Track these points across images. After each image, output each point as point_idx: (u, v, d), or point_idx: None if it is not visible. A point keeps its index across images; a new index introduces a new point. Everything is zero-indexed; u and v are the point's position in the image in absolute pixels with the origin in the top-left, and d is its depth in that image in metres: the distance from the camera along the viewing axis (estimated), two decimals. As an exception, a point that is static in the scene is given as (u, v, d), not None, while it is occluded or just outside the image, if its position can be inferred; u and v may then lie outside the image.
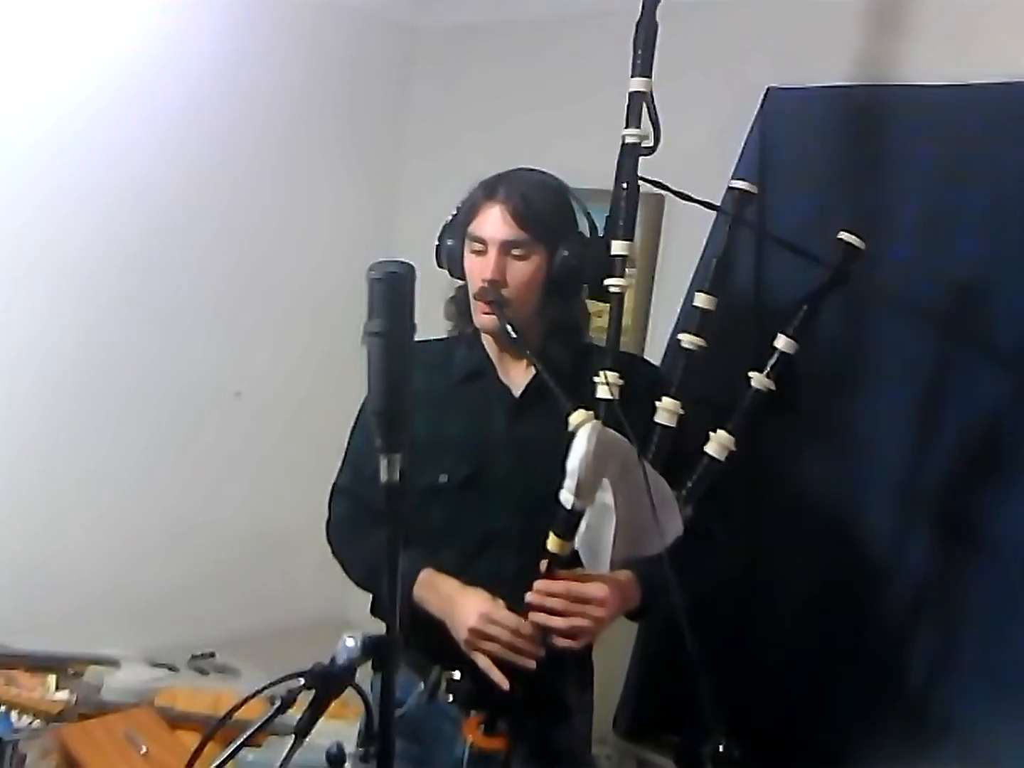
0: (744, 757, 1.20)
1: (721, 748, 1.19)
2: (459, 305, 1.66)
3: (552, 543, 1.43)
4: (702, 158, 2.27)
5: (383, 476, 1.03)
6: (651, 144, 1.67)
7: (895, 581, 1.97)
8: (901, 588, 1.96)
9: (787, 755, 1.94)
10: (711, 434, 1.63)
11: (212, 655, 2.68)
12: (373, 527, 1.64)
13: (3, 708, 2.14)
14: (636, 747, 2.32)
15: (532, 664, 1.45)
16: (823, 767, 1.98)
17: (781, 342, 1.65)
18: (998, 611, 1.83)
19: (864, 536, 2.02)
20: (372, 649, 1.08)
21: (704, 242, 2.18)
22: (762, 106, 2.18)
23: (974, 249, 1.89)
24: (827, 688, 2.01)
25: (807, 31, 2.19)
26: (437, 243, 1.65)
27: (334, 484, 1.76)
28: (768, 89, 2.18)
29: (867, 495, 2.01)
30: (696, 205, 1.70)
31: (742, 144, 2.20)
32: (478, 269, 1.56)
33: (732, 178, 2.18)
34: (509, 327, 1.52)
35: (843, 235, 1.65)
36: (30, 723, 2.14)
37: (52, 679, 2.33)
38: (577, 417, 1.43)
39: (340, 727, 1.61)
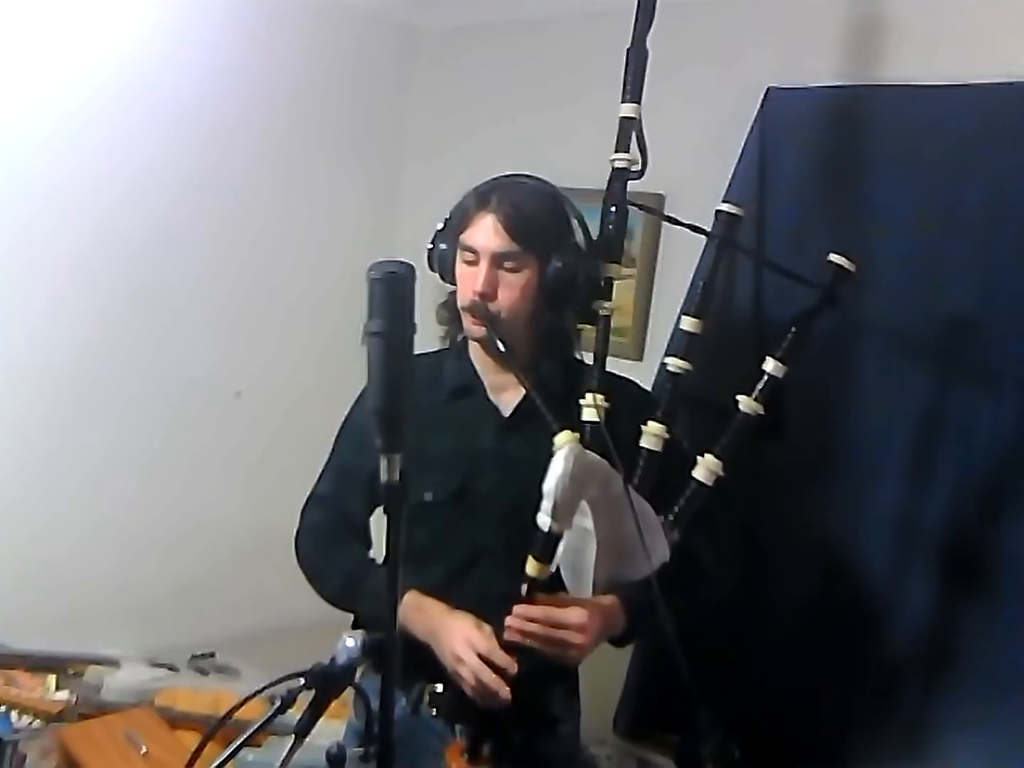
0: (744, 757, 1.20)
1: (721, 748, 1.19)
2: (451, 310, 1.63)
3: (531, 566, 1.39)
4: (702, 158, 2.28)
5: (383, 476, 1.03)
6: (639, 169, 1.66)
7: (895, 588, 1.97)
8: (900, 599, 1.96)
9: (787, 755, 1.94)
10: (699, 458, 1.60)
11: (212, 655, 2.68)
12: (351, 540, 1.63)
13: (3, 708, 2.14)
14: (636, 747, 2.32)
15: (504, 698, 1.40)
16: (823, 767, 1.98)
17: (770, 365, 1.61)
18: (996, 624, 1.84)
19: (861, 555, 2.02)
20: (372, 649, 1.08)
21: (704, 242, 2.18)
22: (762, 106, 2.18)
23: (972, 251, 1.89)
24: (827, 689, 2.01)
25: (807, 31, 2.19)
26: (429, 248, 1.62)
27: (311, 493, 1.71)
28: (768, 89, 2.18)
29: (864, 519, 2.01)
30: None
31: (742, 144, 2.20)
32: (469, 279, 1.53)
33: (732, 178, 2.20)
34: (499, 342, 1.49)
35: (833, 257, 1.61)
36: (30, 723, 2.14)
37: (52, 679, 2.33)
38: (562, 438, 1.38)
39: (340, 727, 1.61)
